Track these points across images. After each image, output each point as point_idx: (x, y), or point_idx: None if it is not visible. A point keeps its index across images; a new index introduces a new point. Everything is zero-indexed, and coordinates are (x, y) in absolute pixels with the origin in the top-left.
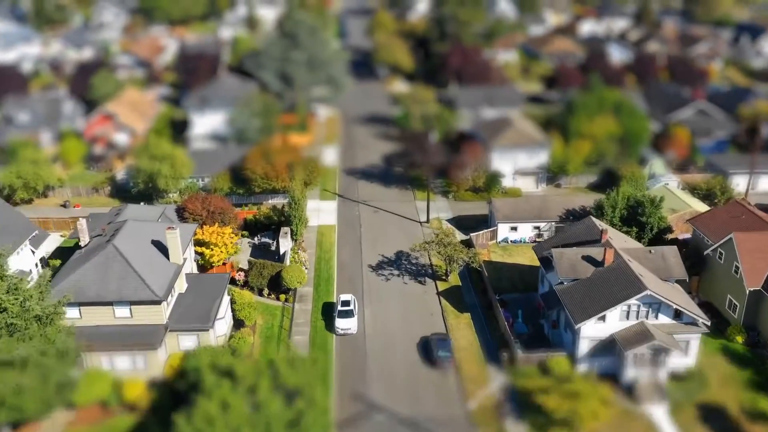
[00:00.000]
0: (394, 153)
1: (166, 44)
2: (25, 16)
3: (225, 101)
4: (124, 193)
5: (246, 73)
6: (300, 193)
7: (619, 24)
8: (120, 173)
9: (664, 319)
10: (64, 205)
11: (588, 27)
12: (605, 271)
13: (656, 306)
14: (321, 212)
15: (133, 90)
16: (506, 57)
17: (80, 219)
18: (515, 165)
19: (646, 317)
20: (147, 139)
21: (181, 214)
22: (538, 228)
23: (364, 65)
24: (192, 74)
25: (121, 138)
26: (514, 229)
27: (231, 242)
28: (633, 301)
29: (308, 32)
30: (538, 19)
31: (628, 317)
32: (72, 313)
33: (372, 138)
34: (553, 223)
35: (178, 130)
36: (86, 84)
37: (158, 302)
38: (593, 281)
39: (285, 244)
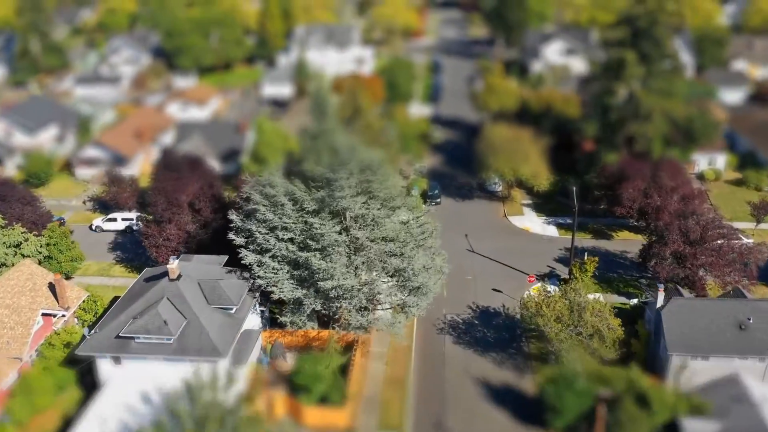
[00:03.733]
0: None
1: (173, 115)
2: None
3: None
4: None
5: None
6: None
7: None
8: None
9: None
10: None
11: None
12: None
13: None
14: None
15: (31, 264)
16: (709, 160)
17: None
18: None
19: None
20: None
21: None
22: None
23: (463, 156)
24: (165, 210)
25: None
26: None
27: None
28: None
29: (360, 175)
30: (732, 78)
31: None
32: None
33: (482, 397)
34: None
35: None
36: None
37: None
38: None
39: None
